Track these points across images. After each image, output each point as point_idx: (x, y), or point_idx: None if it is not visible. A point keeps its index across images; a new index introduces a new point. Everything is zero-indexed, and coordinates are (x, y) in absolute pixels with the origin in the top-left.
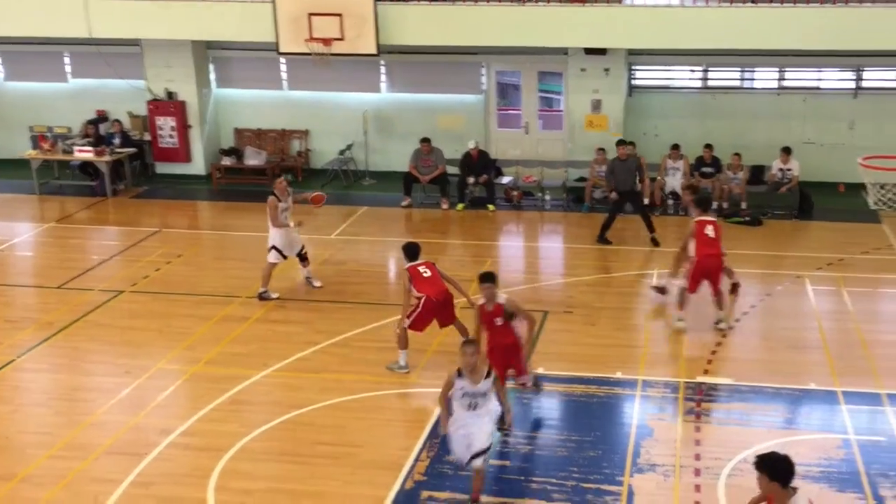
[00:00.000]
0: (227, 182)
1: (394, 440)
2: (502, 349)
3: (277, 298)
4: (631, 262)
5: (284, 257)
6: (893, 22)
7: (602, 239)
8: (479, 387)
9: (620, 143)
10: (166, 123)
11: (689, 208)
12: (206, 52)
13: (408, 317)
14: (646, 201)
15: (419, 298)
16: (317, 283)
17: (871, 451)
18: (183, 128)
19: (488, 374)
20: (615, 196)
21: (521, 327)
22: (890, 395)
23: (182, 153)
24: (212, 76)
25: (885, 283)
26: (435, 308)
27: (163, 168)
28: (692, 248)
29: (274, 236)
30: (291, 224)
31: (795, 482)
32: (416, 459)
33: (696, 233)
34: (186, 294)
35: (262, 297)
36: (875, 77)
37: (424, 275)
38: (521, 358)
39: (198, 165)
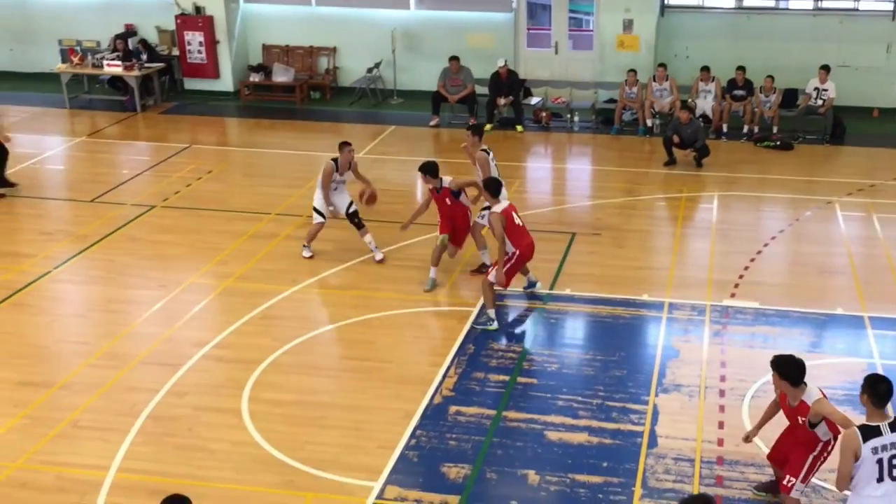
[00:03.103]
0: (256, 99)
1: (423, 356)
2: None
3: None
4: (659, 184)
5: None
6: None
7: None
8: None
9: (683, 107)
10: (194, 38)
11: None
12: None
13: (501, 266)
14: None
15: (512, 252)
16: (378, 256)
17: None
18: (211, 43)
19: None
20: (678, 140)
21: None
22: None
23: (210, 69)
24: None
25: None
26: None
27: (191, 84)
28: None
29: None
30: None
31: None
32: (445, 375)
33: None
34: (217, 210)
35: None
36: None
37: (517, 222)
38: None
39: (226, 82)
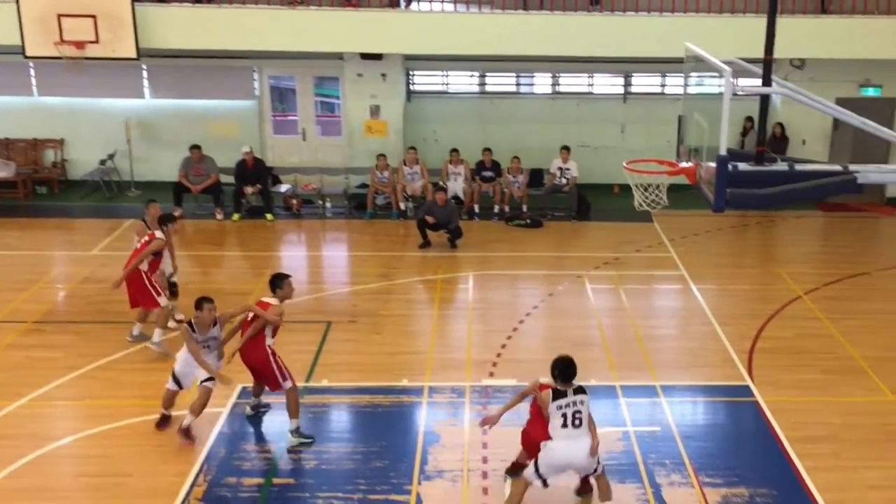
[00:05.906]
0: None
1: (167, 466)
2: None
3: None
4: (415, 267)
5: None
6: (657, 30)
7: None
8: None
9: (438, 189)
10: None
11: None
12: None
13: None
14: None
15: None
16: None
17: (648, 441)
18: None
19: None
20: (432, 220)
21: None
22: (663, 387)
23: None
24: None
25: (657, 280)
26: None
27: None
28: None
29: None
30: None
31: None
32: (193, 484)
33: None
34: None
35: None
36: (642, 83)
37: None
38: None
39: None
